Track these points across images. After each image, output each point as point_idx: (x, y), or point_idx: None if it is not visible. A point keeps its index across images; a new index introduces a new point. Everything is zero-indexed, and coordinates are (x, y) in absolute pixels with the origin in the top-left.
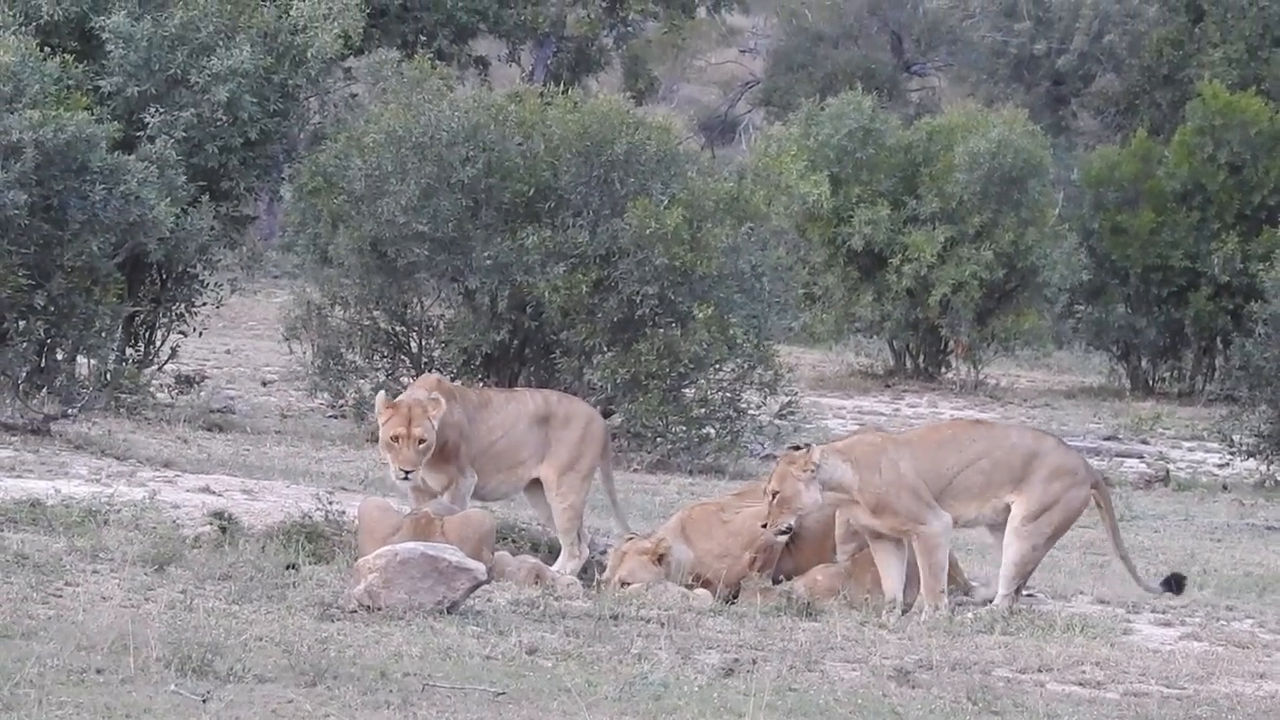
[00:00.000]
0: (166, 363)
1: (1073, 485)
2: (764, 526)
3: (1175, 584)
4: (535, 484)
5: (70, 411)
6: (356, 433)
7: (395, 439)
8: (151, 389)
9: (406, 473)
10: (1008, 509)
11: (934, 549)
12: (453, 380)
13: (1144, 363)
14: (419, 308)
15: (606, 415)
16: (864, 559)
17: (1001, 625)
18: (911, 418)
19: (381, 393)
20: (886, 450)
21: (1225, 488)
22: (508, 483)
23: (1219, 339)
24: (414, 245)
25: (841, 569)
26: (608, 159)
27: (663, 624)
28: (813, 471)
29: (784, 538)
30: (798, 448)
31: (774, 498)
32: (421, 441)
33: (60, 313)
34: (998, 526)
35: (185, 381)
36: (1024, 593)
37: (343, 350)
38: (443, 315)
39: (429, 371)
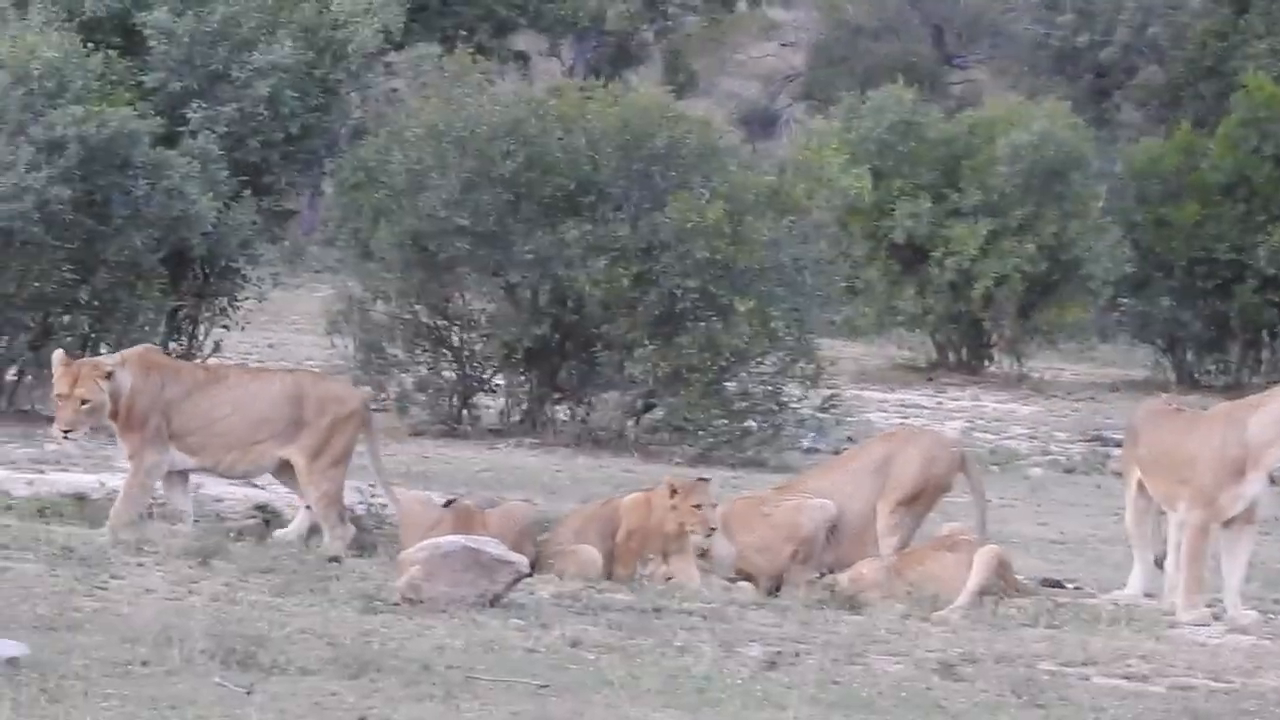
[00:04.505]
0: (209, 357)
1: None
2: None
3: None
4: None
5: None
6: (399, 426)
7: (60, 397)
8: None
9: (65, 432)
10: None
11: None
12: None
13: (1189, 356)
14: (460, 302)
15: (647, 409)
16: (908, 553)
17: (1046, 619)
18: (954, 412)
19: (59, 351)
20: None
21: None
22: (245, 461)
23: (1265, 331)
24: (455, 239)
25: (885, 562)
26: (648, 153)
27: (705, 617)
28: None
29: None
30: None
31: None
32: (85, 402)
33: (104, 307)
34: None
35: None
36: (1071, 585)
37: (384, 344)
38: (484, 309)
39: (470, 363)
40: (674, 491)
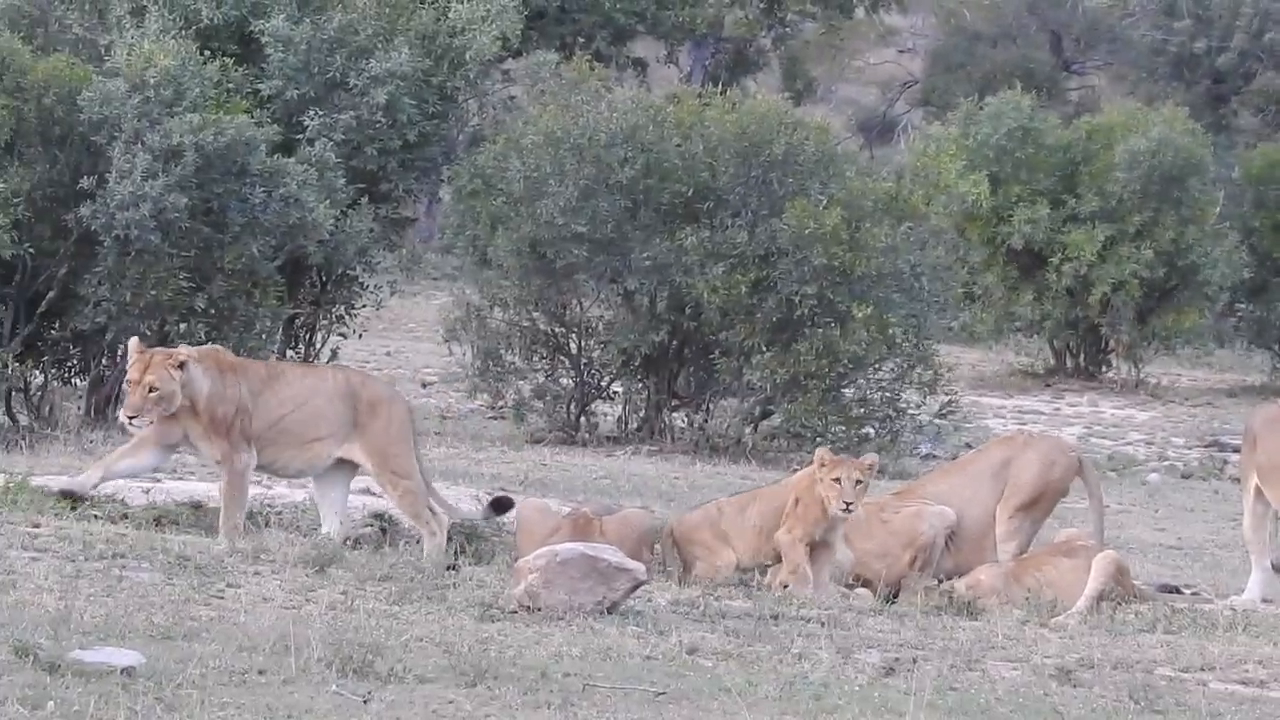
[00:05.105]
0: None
1: None
2: None
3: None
4: (339, 464)
5: None
6: (516, 434)
7: (129, 383)
8: None
9: (131, 418)
10: None
11: None
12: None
13: None
14: (578, 309)
15: (765, 416)
16: (1026, 559)
17: (1164, 624)
18: (1072, 418)
19: (134, 338)
20: None
21: None
22: (301, 459)
23: None
24: (573, 246)
25: (1002, 568)
26: (766, 159)
27: (823, 623)
28: None
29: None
30: None
31: None
32: (153, 390)
33: (221, 315)
34: None
35: None
36: (1188, 590)
37: (502, 351)
38: (602, 316)
39: (588, 370)
40: (822, 463)
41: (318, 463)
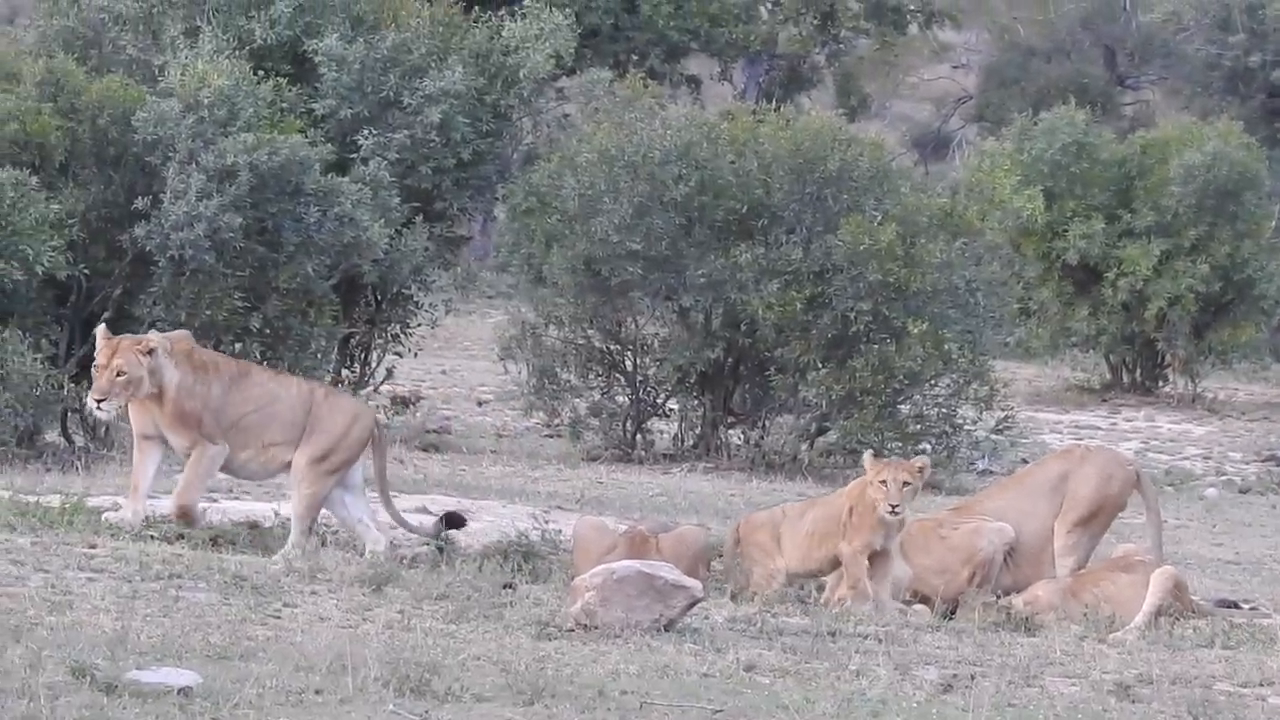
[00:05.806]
0: (382, 384)
1: None
2: None
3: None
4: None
5: None
6: (572, 452)
7: (97, 367)
8: None
9: (98, 401)
10: None
11: None
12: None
13: None
14: (633, 326)
15: (821, 432)
16: (1083, 575)
17: (1222, 639)
18: (1128, 433)
19: (102, 325)
20: None
21: None
22: (256, 461)
23: None
24: (627, 264)
25: (1061, 584)
26: (820, 176)
27: (881, 640)
28: None
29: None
30: None
31: None
32: (120, 374)
33: (276, 335)
34: None
35: (401, 402)
36: (1247, 605)
37: (557, 369)
38: (657, 333)
39: (644, 388)
40: (869, 468)
41: (271, 466)
